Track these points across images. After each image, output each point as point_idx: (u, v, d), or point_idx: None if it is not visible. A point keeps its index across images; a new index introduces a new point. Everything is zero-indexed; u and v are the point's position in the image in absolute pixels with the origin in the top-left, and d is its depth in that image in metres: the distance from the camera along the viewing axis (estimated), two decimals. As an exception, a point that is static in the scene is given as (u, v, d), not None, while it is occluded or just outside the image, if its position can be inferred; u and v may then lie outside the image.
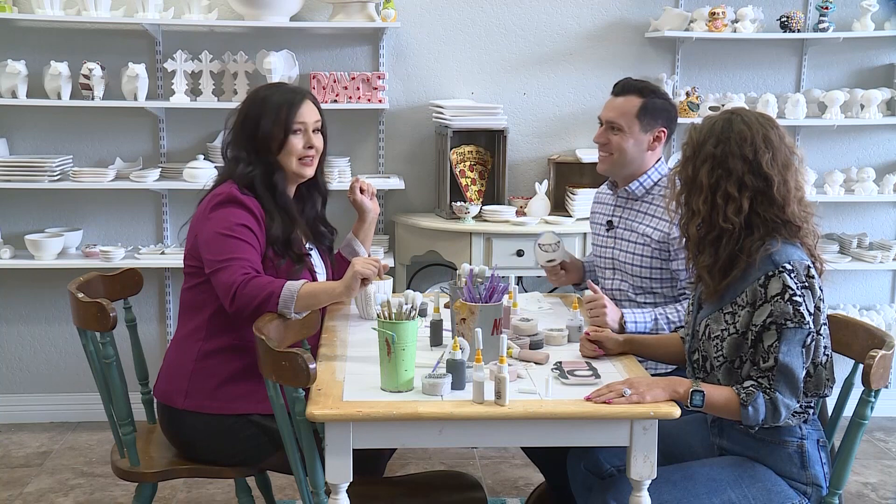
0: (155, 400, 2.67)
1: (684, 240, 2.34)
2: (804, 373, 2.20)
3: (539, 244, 3.03)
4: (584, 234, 3.83)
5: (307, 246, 2.75)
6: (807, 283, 2.19)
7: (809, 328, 2.17)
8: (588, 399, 2.15)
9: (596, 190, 3.22)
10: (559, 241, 3.02)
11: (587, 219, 3.24)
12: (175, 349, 2.65)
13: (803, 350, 2.17)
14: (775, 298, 2.16)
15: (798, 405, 2.21)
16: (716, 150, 2.23)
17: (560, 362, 2.36)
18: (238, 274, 2.46)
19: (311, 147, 2.69)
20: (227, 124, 2.73)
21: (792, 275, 2.17)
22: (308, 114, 2.68)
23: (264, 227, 2.58)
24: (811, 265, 2.22)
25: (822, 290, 2.23)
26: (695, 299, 2.41)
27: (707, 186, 2.23)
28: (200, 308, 2.59)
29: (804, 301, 2.16)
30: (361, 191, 2.99)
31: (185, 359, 2.59)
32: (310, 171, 2.72)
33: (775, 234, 2.23)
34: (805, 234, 2.27)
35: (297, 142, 2.65)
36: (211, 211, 2.57)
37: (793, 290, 2.16)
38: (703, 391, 2.18)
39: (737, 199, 2.21)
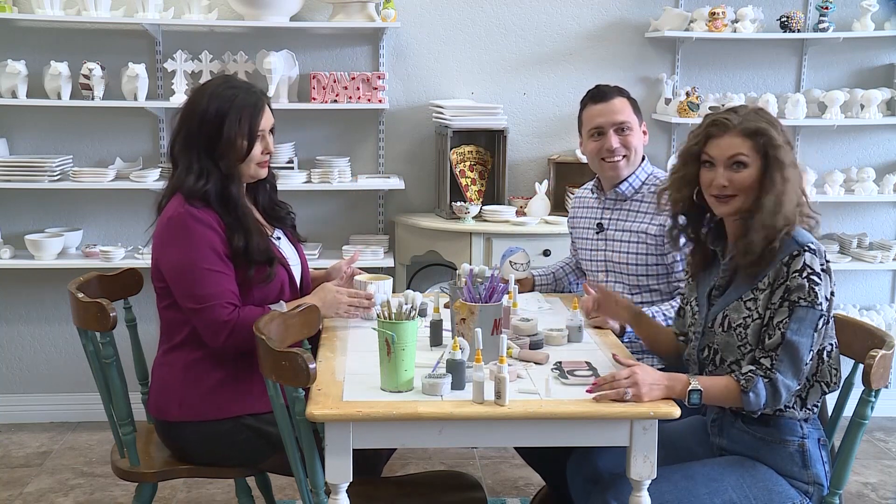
0: (154, 418, 2.67)
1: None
2: (810, 356, 2.20)
3: (511, 261, 3.13)
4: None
5: (275, 235, 2.73)
6: (825, 268, 2.21)
7: (822, 311, 2.18)
8: (590, 391, 2.15)
9: (575, 195, 3.23)
10: (529, 261, 3.18)
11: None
12: (162, 365, 2.63)
13: (815, 333, 2.18)
14: (794, 275, 2.17)
15: (799, 387, 2.21)
16: (780, 135, 2.25)
17: (560, 362, 2.36)
18: (224, 314, 2.46)
19: (268, 153, 2.65)
20: (173, 122, 2.62)
21: (815, 255, 2.19)
22: (267, 119, 2.62)
23: (226, 237, 2.53)
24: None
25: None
26: (703, 296, 2.40)
27: (794, 170, 2.25)
28: (182, 324, 2.57)
29: (822, 283, 2.18)
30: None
31: (173, 371, 2.58)
32: (265, 172, 2.68)
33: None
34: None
35: (257, 149, 2.60)
36: (168, 237, 2.52)
37: (812, 269, 2.17)
38: (700, 389, 2.17)
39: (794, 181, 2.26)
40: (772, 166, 2.23)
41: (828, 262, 2.23)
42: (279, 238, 2.75)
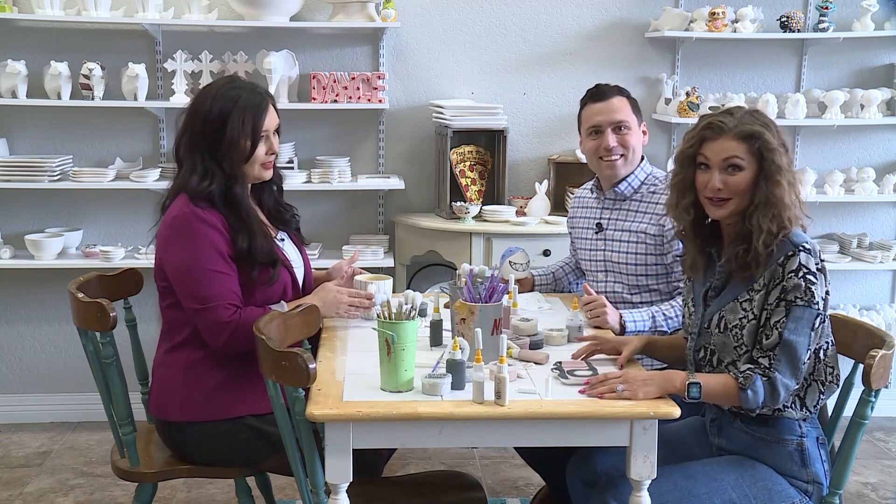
0: (154, 418, 2.67)
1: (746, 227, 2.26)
2: (807, 355, 2.20)
3: (511, 261, 3.14)
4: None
5: (279, 237, 2.73)
6: (820, 267, 2.21)
7: (819, 310, 2.18)
8: (582, 392, 2.16)
9: (574, 195, 3.23)
10: (529, 261, 3.18)
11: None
12: (163, 365, 2.63)
13: (812, 332, 2.18)
14: (790, 275, 2.18)
15: (797, 386, 2.21)
16: (775, 138, 2.25)
17: (560, 362, 2.36)
18: (226, 315, 2.46)
19: (273, 153, 2.64)
20: (178, 123, 2.62)
21: (810, 255, 2.19)
22: (271, 119, 2.61)
23: (230, 238, 2.53)
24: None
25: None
26: (699, 297, 2.40)
27: (789, 173, 2.25)
28: (184, 323, 2.57)
29: (818, 282, 2.18)
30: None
31: (174, 372, 2.58)
32: (269, 174, 2.66)
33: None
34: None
35: (261, 149, 2.59)
36: (172, 237, 2.52)
37: (808, 269, 2.18)
38: (699, 382, 2.18)
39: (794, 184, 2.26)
40: (766, 169, 2.23)
41: (822, 261, 2.23)
42: (283, 240, 2.75)
